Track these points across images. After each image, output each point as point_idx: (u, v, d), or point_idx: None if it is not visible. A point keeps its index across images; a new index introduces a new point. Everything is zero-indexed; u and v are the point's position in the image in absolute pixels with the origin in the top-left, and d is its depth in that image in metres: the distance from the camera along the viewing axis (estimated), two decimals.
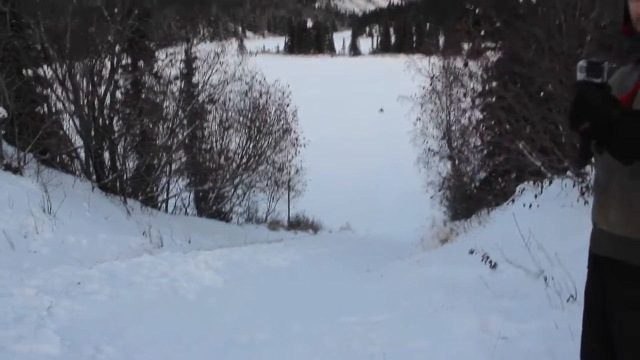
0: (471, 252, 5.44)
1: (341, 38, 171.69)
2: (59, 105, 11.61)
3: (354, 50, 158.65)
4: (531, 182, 7.19)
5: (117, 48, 12.33)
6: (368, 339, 3.03)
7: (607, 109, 1.19)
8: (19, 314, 3.14)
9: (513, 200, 7.80)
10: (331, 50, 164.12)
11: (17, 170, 7.73)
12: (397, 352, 2.77)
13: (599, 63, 1.23)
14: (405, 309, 3.83)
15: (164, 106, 14.91)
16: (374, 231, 19.92)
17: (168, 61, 15.54)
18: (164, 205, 14.74)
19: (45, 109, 11.62)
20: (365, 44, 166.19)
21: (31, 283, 3.81)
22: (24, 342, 2.74)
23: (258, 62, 19.74)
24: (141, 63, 14.71)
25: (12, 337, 2.78)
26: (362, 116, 53.93)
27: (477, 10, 13.50)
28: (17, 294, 3.47)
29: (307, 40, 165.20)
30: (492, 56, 13.88)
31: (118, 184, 11.63)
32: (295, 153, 21.12)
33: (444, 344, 2.82)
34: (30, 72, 10.95)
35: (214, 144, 18.20)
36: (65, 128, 11.80)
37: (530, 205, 6.27)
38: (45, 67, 11.58)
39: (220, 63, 17.03)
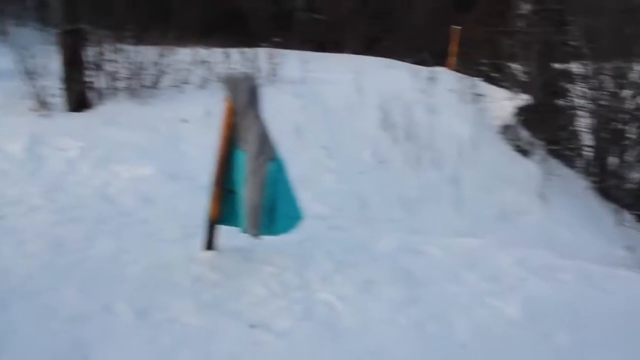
0: None
1: None
2: (578, 102, 11.86)
3: None
4: None
5: None
6: None
7: None
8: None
9: None
10: None
11: (526, 153, 8.49)
12: None
13: None
14: None
15: None
16: None
17: None
18: None
19: (565, 102, 12.06)
20: None
21: None
22: None
23: None
24: None
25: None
26: None
27: None
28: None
29: None
30: None
31: (617, 191, 11.26)
32: None
33: None
34: (559, 66, 11.51)
35: None
36: (578, 124, 12.02)
37: None
38: (574, 63, 11.96)
39: None
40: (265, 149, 3.33)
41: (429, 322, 3.14)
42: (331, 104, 7.83)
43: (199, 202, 4.57)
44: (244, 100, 3.32)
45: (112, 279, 3.36)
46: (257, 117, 3.35)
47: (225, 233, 3.70)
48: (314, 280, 3.49)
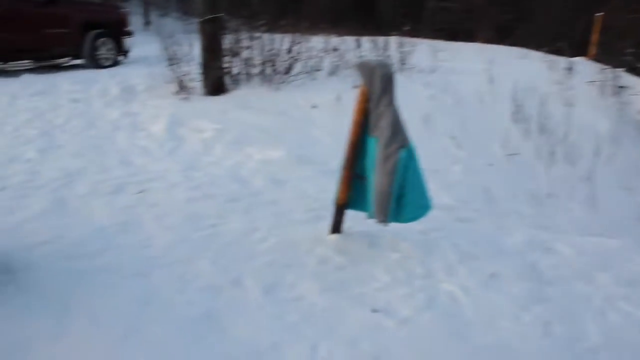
0: None
1: None
2: None
3: None
4: None
5: None
6: None
7: None
8: None
9: None
10: None
11: None
12: None
13: None
14: None
15: None
16: None
17: None
18: None
19: None
20: None
21: None
22: None
23: None
24: None
25: None
26: None
27: None
28: None
29: None
30: None
31: None
32: None
33: None
34: None
35: None
36: None
37: None
38: None
39: None
40: (398, 136, 3.30)
41: (556, 322, 3.01)
42: (461, 94, 7.63)
43: (327, 186, 4.66)
44: (378, 87, 3.30)
45: (242, 255, 3.50)
46: (391, 105, 3.32)
47: (352, 217, 3.73)
48: (438, 270, 3.44)
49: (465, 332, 2.86)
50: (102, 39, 11.20)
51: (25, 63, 10.76)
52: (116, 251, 3.51)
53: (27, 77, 9.34)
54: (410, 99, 6.25)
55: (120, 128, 6.31)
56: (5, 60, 10.38)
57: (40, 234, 3.74)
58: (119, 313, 2.81)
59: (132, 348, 2.57)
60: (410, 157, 3.33)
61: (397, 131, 3.31)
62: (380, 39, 8.76)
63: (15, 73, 10.14)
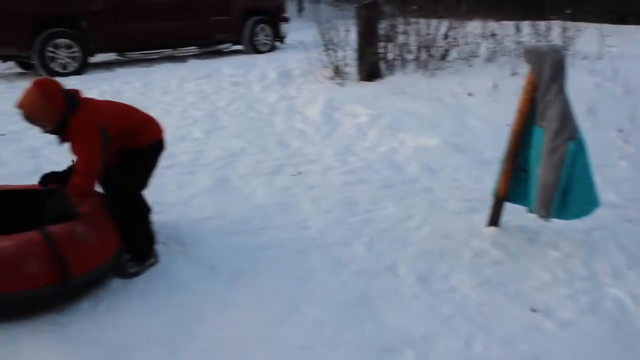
0: None
1: None
2: None
3: None
4: None
5: None
6: None
7: None
8: None
9: None
10: None
11: None
12: None
13: None
14: None
15: None
16: None
17: None
18: None
19: None
20: None
21: None
22: None
23: None
24: None
25: None
26: None
27: None
28: None
29: None
30: None
31: None
32: None
33: None
34: None
35: None
36: None
37: None
38: None
39: None
40: (567, 127, 3.11)
41: None
42: (632, 83, 7.01)
43: (483, 176, 4.52)
44: (547, 74, 3.13)
45: (397, 242, 3.50)
46: (560, 93, 3.14)
47: (511, 211, 3.59)
48: (603, 272, 3.22)
49: (634, 343, 2.66)
50: (261, 25, 11.68)
51: (192, 49, 11.53)
52: (276, 230, 3.67)
53: (193, 62, 10.01)
54: (574, 88, 5.79)
55: (277, 111, 6.56)
56: (175, 47, 11.19)
57: (206, 209, 4.02)
58: (280, 290, 2.95)
59: (291, 325, 2.68)
60: (580, 149, 3.14)
61: (567, 122, 3.12)
62: (542, 24, 8.27)
63: (182, 58, 10.91)
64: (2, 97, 7.60)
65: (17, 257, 2.62)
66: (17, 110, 2.86)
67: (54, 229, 2.75)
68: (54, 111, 2.85)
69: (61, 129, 2.93)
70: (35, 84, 2.87)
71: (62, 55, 9.29)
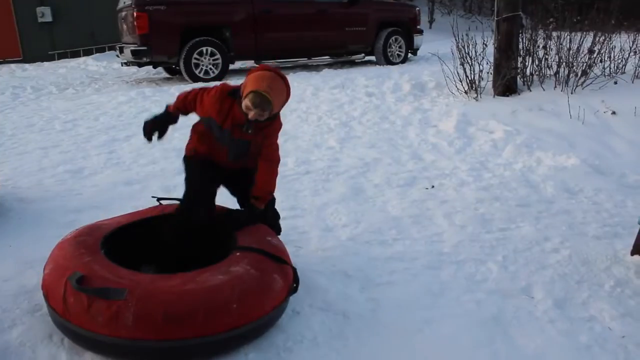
0: None
1: None
2: None
3: None
4: None
5: None
6: None
7: None
8: None
9: None
10: None
11: None
12: None
13: None
14: None
15: None
16: None
17: None
18: None
19: None
20: None
21: None
22: None
23: None
24: None
25: None
26: None
27: None
28: None
29: None
30: None
31: None
32: None
33: None
34: None
35: None
36: None
37: None
38: None
39: None
40: None
41: None
42: None
43: (626, 201, 4.32)
44: None
45: (533, 263, 3.44)
46: None
47: None
48: None
49: None
50: (395, 37, 11.80)
51: (325, 59, 11.87)
52: (409, 242, 3.73)
53: (326, 72, 10.31)
54: None
55: (411, 123, 6.61)
56: (310, 56, 11.59)
57: (341, 216, 4.15)
58: (415, 302, 3.00)
59: (424, 340, 2.71)
60: None
61: None
62: None
63: (316, 67, 11.25)
64: (152, 99, 8.30)
65: (263, 280, 2.56)
66: (258, 92, 2.67)
67: (263, 245, 2.78)
68: (284, 103, 2.85)
69: (264, 122, 2.85)
70: (277, 73, 2.78)
71: (206, 62, 9.96)
